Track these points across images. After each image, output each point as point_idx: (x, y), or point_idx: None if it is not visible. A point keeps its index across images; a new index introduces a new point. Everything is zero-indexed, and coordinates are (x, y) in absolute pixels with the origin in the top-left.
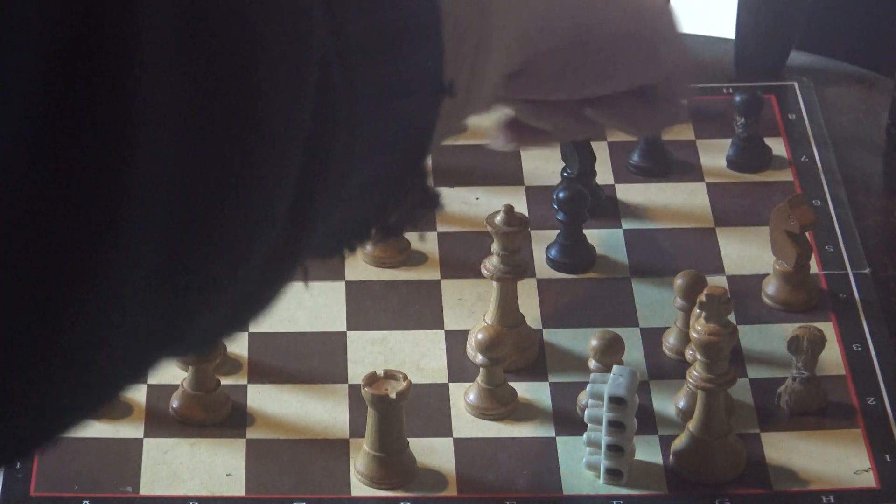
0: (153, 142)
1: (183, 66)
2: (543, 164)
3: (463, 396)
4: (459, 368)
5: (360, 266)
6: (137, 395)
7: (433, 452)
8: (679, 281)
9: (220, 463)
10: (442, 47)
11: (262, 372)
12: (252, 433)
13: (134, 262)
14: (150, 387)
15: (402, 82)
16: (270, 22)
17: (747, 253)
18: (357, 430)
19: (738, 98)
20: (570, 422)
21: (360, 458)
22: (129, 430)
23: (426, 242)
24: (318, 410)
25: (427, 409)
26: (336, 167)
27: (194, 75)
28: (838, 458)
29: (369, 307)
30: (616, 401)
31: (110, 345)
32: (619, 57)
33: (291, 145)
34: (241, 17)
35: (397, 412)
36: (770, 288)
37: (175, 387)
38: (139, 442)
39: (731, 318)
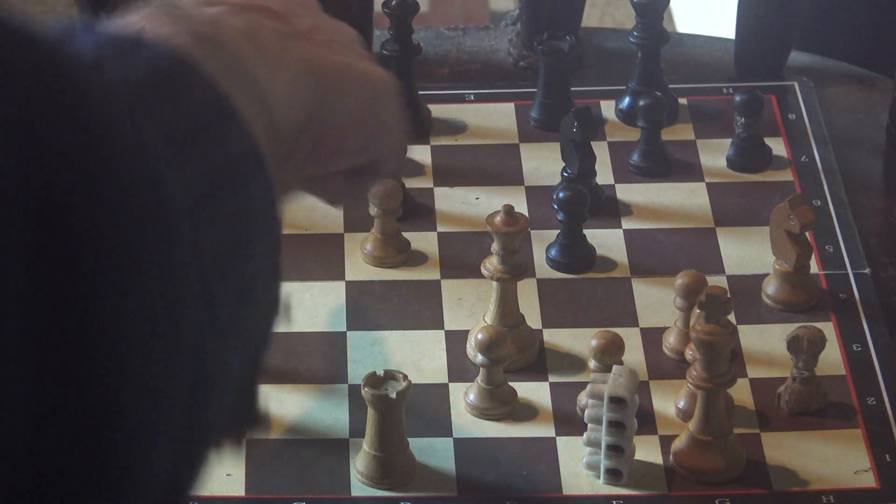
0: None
1: (42, 380)
2: (543, 164)
3: (463, 396)
4: (459, 368)
5: (360, 266)
6: None
7: (433, 452)
8: (679, 281)
9: (220, 463)
10: (280, 234)
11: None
12: (252, 433)
13: None
14: None
15: (255, 316)
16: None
17: (747, 253)
18: (357, 430)
19: (738, 98)
20: (570, 422)
21: (360, 458)
22: None
23: (426, 243)
24: (318, 410)
25: (427, 409)
26: (209, 424)
27: (50, 381)
28: (838, 458)
29: (369, 307)
30: (616, 401)
31: None
32: (344, 143)
33: (166, 427)
34: (103, 275)
35: (397, 412)
36: (770, 288)
37: None
38: None
39: (731, 318)
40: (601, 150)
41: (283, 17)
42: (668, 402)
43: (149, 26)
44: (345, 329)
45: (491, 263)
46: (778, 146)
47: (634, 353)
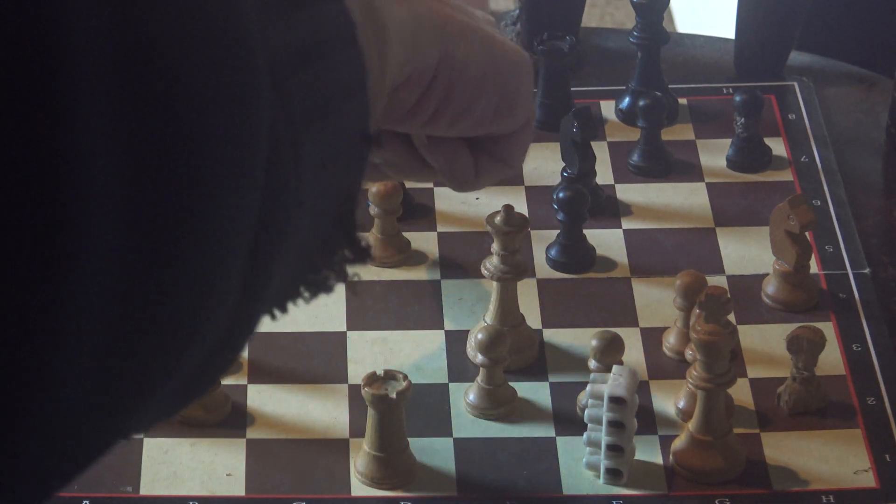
0: (95, 236)
1: (127, 163)
2: (543, 164)
3: (463, 396)
4: (459, 368)
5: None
6: None
7: (433, 452)
8: (679, 281)
9: (220, 463)
10: (368, 99)
11: (262, 372)
12: (252, 433)
13: (73, 356)
14: None
15: (337, 140)
16: (220, 110)
17: (747, 253)
18: (357, 430)
19: (738, 98)
20: (570, 422)
21: (360, 458)
22: None
23: (426, 243)
24: (318, 410)
25: (427, 409)
26: (285, 239)
27: (139, 171)
28: (838, 458)
29: (369, 307)
30: (616, 401)
31: (52, 443)
32: (476, 100)
33: (242, 229)
34: (188, 107)
35: (397, 412)
36: (770, 288)
37: None
38: (139, 442)
39: (731, 318)
40: (601, 150)
41: None
42: (668, 402)
43: None
44: (345, 329)
45: (491, 263)
46: (778, 146)
47: (634, 353)
